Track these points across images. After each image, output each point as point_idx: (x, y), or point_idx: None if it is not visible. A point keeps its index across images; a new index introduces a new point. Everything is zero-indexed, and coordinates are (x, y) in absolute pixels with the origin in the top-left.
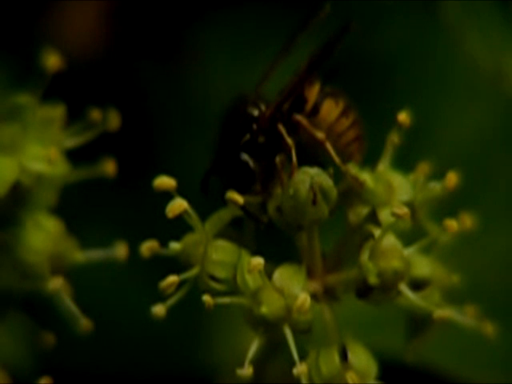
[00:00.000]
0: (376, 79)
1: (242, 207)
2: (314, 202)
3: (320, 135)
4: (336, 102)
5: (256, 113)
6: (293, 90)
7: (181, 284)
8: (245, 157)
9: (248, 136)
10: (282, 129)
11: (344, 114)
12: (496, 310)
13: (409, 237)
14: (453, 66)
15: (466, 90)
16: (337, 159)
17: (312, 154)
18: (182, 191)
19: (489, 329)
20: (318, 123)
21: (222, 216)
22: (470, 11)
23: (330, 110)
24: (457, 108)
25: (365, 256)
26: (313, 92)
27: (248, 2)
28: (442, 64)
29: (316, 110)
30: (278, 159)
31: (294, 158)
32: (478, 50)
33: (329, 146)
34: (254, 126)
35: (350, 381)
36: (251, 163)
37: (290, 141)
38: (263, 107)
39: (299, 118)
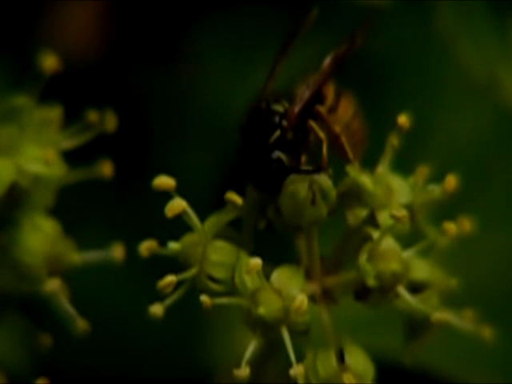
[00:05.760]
0: (373, 81)
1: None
2: (313, 202)
3: (338, 129)
4: (350, 101)
5: (281, 109)
6: (320, 85)
7: (179, 284)
8: (278, 154)
9: (278, 133)
10: (313, 124)
11: (356, 114)
12: (494, 314)
13: (407, 239)
14: (450, 68)
15: (463, 92)
16: (351, 154)
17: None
18: (179, 192)
19: (486, 332)
20: (335, 121)
21: (221, 217)
22: (464, 19)
23: (347, 108)
24: (454, 110)
25: (363, 258)
26: (330, 90)
27: (246, 4)
28: (438, 66)
29: (333, 108)
30: (303, 158)
31: (325, 152)
32: (471, 58)
33: (344, 140)
34: (285, 123)
35: (347, 382)
36: (285, 159)
37: (322, 134)
38: (286, 104)
39: (320, 109)
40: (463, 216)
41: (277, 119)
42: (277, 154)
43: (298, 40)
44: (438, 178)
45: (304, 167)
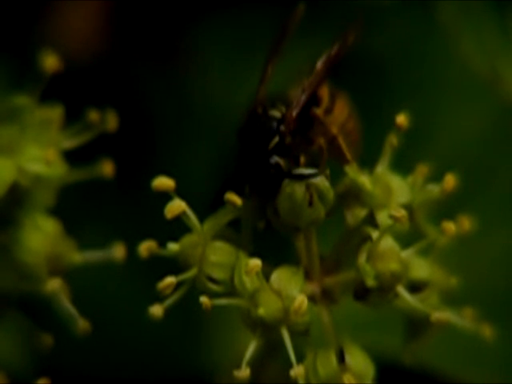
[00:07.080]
0: (373, 81)
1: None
2: (311, 203)
3: (335, 130)
4: (344, 101)
5: (279, 114)
6: (315, 88)
7: (179, 285)
8: (276, 159)
9: (277, 139)
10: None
11: (351, 114)
12: (494, 313)
13: (407, 239)
14: (450, 66)
15: (463, 91)
16: (348, 155)
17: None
18: (180, 192)
19: (487, 331)
20: (332, 122)
21: (220, 217)
22: (466, 14)
23: (342, 109)
24: (454, 109)
25: (362, 258)
26: (325, 91)
27: (245, 3)
28: (439, 65)
29: (329, 109)
30: (302, 160)
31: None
32: (473, 52)
33: (341, 141)
34: (283, 128)
35: (347, 382)
36: (283, 165)
37: (322, 140)
38: (282, 108)
39: (317, 111)
40: (463, 215)
41: (275, 125)
42: (275, 159)
43: (288, 40)
44: (437, 177)
45: (301, 172)
